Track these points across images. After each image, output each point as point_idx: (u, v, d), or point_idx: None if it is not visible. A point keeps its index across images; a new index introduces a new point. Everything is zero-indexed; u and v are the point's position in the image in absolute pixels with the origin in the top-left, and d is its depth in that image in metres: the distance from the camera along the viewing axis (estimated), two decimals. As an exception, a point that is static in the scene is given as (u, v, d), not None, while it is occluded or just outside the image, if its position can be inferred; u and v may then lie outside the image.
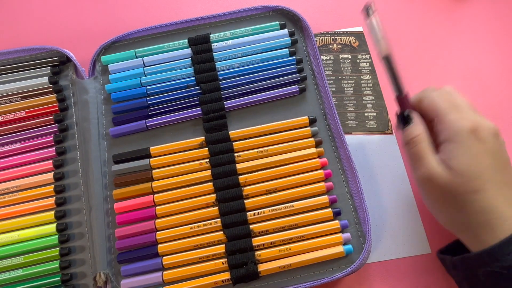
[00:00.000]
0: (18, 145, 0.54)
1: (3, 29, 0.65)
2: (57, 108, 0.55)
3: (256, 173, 0.51)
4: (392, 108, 0.58)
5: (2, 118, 0.55)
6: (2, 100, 0.56)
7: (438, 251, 0.47)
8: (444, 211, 0.41)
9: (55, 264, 0.48)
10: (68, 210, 0.51)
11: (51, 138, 0.54)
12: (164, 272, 0.47)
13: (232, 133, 0.53)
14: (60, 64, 0.58)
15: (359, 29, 0.63)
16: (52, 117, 0.55)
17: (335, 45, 0.62)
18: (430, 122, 0.44)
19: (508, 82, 0.59)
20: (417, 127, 0.42)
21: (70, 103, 0.56)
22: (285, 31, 0.58)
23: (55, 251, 0.49)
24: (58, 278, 0.48)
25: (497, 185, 0.38)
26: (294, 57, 0.57)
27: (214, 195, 0.50)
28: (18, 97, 0.56)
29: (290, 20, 0.60)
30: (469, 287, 0.40)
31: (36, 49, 0.58)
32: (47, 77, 0.56)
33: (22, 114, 0.55)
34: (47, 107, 0.55)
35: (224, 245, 0.48)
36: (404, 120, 0.44)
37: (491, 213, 0.38)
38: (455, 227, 0.42)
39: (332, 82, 0.60)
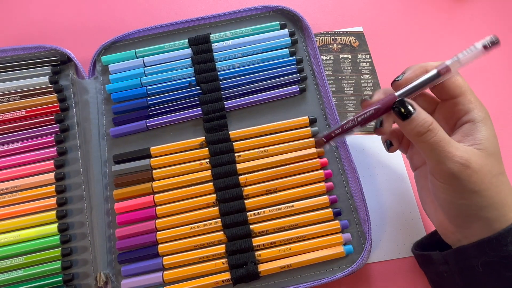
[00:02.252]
0: (18, 145, 0.53)
1: (2, 26, 0.65)
2: (57, 108, 0.55)
3: (256, 173, 0.51)
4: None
5: (1, 117, 0.55)
6: (1, 98, 0.56)
7: (413, 248, 0.47)
8: (467, 200, 0.37)
9: (57, 265, 0.48)
10: (69, 210, 0.51)
11: (52, 138, 0.54)
12: (164, 272, 0.47)
13: (233, 133, 0.53)
14: (61, 63, 0.58)
15: (359, 29, 0.63)
16: (52, 117, 0.55)
17: (335, 45, 0.62)
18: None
19: (508, 82, 0.59)
20: (426, 114, 0.38)
21: (71, 103, 0.56)
22: (285, 31, 0.58)
23: (57, 251, 0.49)
24: (60, 278, 0.48)
25: None
26: (294, 57, 0.57)
27: (215, 195, 0.50)
28: (17, 96, 0.56)
29: (290, 20, 0.60)
30: (462, 281, 0.40)
31: (36, 48, 0.58)
32: (47, 77, 0.56)
33: (22, 113, 0.55)
34: (48, 107, 0.55)
35: (224, 245, 0.48)
36: (403, 111, 0.38)
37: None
38: (471, 216, 0.37)
39: (332, 82, 0.60)
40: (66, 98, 0.56)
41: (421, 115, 0.37)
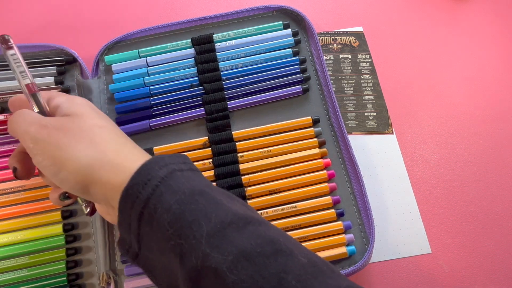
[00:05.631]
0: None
1: (5, 26, 0.64)
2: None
3: (259, 173, 0.51)
4: (393, 107, 0.58)
5: (4, 117, 0.54)
6: (6, 97, 0.55)
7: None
8: (52, 158, 0.36)
9: (61, 264, 0.48)
10: (74, 210, 0.51)
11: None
12: (168, 272, 0.47)
13: (236, 133, 0.53)
14: (66, 63, 0.57)
15: (359, 29, 0.63)
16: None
17: (335, 45, 0.62)
18: None
19: (508, 82, 0.60)
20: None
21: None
22: (289, 31, 0.58)
23: (62, 251, 0.49)
24: (64, 278, 0.48)
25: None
26: (297, 57, 0.57)
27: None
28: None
29: (294, 20, 0.60)
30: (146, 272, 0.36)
31: (41, 47, 0.58)
32: (52, 77, 0.56)
33: None
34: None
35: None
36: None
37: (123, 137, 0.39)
38: (76, 182, 0.36)
39: (332, 82, 0.60)
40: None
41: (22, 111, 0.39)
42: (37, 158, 0.37)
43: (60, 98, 0.41)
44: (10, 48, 0.40)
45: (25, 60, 0.55)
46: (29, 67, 0.55)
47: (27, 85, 0.40)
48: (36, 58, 0.57)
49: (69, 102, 0.40)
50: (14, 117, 0.38)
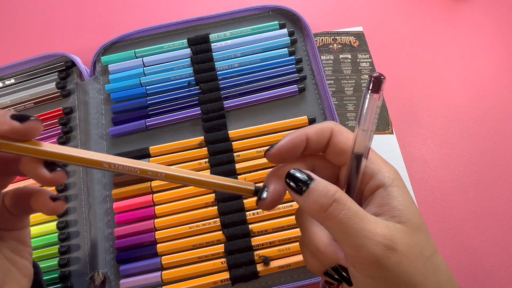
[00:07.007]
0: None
1: (2, 26, 0.65)
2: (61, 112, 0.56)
3: (255, 172, 0.51)
4: (393, 108, 0.58)
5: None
6: (19, 107, 0.57)
7: None
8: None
9: (54, 262, 0.49)
10: (69, 208, 0.52)
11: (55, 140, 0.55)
12: (163, 272, 0.47)
13: (231, 132, 0.53)
14: (66, 68, 0.58)
15: (359, 29, 0.63)
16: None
17: (335, 45, 0.62)
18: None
19: (507, 82, 0.59)
20: (327, 182, 0.28)
21: (74, 106, 0.57)
22: (285, 30, 0.58)
23: (55, 249, 0.49)
24: (56, 275, 0.48)
25: None
26: (293, 57, 0.57)
27: (213, 194, 0.50)
28: (31, 103, 0.57)
29: (290, 19, 0.60)
30: None
31: (47, 57, 0.59)
32: (54, 83, 0.57)
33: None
34: (53, 110, 0.56)
35: (223, 244, 0.48)
36: (296, 185, 0.28)
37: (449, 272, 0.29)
38: None
39: (332, 82, 0.60)
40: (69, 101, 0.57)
41: (321, 183, 0.28)
42: (337, 239, 0.28)
43: (389, 182, 0.29)
44: (377, 93, 0.27)
45: (32, 71, 0.58)
46: (34, 77, 0.57)
47: (369, 150, 0.29)
48: (43, 67, 0.58)
49: (405, 198, 0.28)
50: (337, 210, 0.27)
